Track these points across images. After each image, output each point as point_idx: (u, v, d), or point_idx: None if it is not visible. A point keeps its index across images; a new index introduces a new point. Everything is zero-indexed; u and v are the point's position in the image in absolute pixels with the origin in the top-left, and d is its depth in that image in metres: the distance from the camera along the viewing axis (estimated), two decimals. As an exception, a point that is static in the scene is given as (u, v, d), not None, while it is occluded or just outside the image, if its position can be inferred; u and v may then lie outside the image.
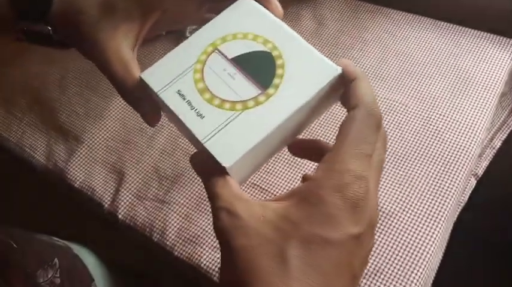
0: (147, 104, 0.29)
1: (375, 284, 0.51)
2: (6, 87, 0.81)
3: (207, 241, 0.56)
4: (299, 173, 0.61)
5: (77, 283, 0.47)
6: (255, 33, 0.27)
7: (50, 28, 0.30)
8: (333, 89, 0.26)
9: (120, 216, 0.61)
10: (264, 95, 0.25)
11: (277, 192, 0.59)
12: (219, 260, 0.55)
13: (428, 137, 0.61)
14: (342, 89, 0.26)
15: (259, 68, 0.26)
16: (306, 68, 0.26)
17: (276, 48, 0.27)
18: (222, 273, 0.22)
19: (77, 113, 0.74)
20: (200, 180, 0.57)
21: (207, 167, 0.25)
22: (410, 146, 0.60)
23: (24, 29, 0.31)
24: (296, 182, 0.60)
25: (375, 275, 0.51)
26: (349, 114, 0.23)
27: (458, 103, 0.64)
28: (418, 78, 0.68)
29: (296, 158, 0.61)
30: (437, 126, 0.62)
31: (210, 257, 0.55)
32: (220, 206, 0.22)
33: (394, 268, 0.51)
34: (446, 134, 0.61)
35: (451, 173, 0.57)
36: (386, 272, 0.51)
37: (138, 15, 0.29)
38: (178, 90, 0.26)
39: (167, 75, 0.27)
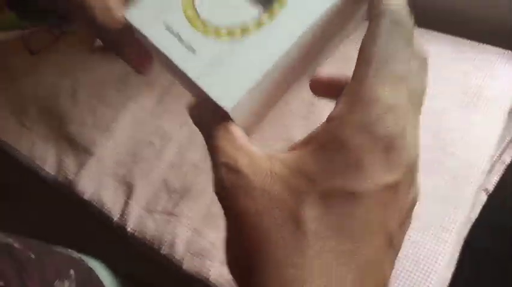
0: (133, 48, 0.24)
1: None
2: (17, 98, 0.83)
3: (215, 255, 0.56)
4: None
5: None
6: None
7: None
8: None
9: (129, 229, 0.62)
10: (267, 13, 0.20)
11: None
12: (227, 274, 0.55)
13: (437, 151, 0.61)
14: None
15: None
16: None
17: None
18: (228, 248, 0.19)
19: (87, 125, 0.75)
20: (209, 192, 0.56)
21: (208, 117, 0.20)
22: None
23: None
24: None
25: (385, 291, 0.51)
26: (370, 26, 0.18)
27: (468, 118, 0.64)
28: (427, 92, 0.68)
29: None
30: (446, 141, 0.62)
31: (218, 270, 0.55)
32: (220, 161, 0.18)
33: (404, 283, 0.51)
34: (455, 148, 0.61)
35: (460, 187, 0.57)
36: (397, 289, 0.51)
37: None
38: (166, 23, 0.22)
39: (153, 8, 0.22)
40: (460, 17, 0.78)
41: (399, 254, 0.55)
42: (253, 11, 0.21)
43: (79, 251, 0.54)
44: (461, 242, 0.56)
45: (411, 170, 0.17)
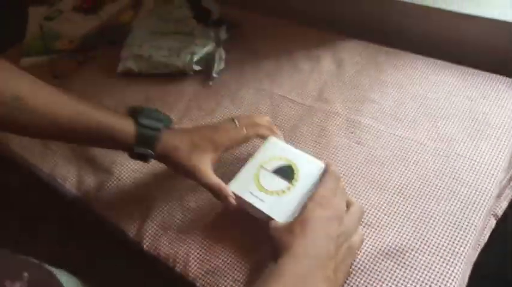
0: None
1: (395, 322, 0.51)
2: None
3: (228, 273, 0.58)
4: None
5: None
6: (281, 156, 0.58)
7: (152, 153, 0.58)
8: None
9: (144, 246, 0.63)
10: (290, 184, 0.55)
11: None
12: (239, 293, 0.57)
13: (445, 176, 0.62)
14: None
15: (286, 173, 0.56)
16: (309, 170, 0.56)
17: (294, 163, 0.57)
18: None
19: (107, 146, 0.78)
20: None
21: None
22: (428, 185, 0.61)
23: (137, 153, 0.59)
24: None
25: (395, 312, 0.51)
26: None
27: (476, 144, 0.65)
28: (435, 119, 0.70)
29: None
30: (455, 166, 0.63)
31: (230, 289, 0.57)
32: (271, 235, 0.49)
33: (414, 306, 0.51)
34: (464, 174, 0.62)
35: (469, 212, 0.58)
36: (406, 310, 0.51)
37: (211, 150, 0.58)
38: (248, 190, 0.56)
39: (243, 183, 0.57)
40: (466, 48, 0.80)
41: (410, 277, 0.56)
42: (283, 183, 0.55)
43: (90, 266, 0.55)
44: (470, 266, 0.57)
45: (337, 216, 0.48)
